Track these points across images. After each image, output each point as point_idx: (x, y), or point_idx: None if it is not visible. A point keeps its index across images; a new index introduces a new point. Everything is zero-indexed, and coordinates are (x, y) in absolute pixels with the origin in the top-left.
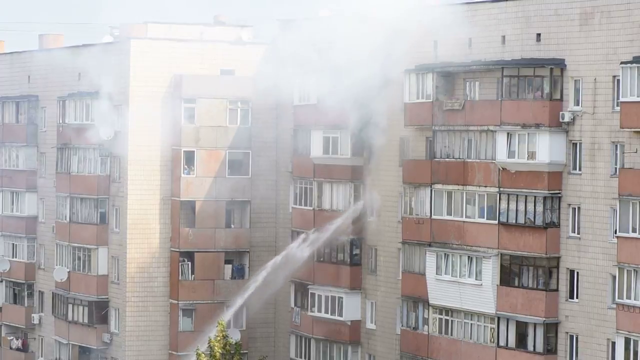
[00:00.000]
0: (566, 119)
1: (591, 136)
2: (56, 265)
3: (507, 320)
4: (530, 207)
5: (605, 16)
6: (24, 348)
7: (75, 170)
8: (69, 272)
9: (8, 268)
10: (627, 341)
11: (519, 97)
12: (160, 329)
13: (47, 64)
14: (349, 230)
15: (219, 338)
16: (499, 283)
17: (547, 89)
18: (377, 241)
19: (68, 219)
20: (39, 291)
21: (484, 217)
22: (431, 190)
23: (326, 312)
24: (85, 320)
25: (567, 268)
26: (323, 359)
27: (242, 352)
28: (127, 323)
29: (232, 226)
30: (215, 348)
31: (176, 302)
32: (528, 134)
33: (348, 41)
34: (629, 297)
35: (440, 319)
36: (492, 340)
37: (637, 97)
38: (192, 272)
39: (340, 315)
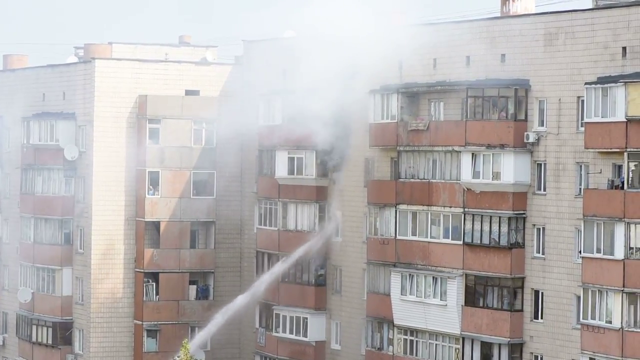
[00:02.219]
0: (531, 140)
1: (556, 157)
2: (20, 286)
3: (472, 340)
4: (495, 227)
5: (569, 37)
6: None
7: (40, 191)
8: (33, 293)
9: None
10: None
11: (484, 117)
12: (125, 350)
13: (11, 84)
14: (314, 251)
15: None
16: (463, 303)
17: (511, 110)
18: (342, 261)
19: (32, 240)
20: (3, 312)
21: (448, 238)
22: (396, 211)
23: (291, 332)
24: (49, 342)
25: (532, 288)
26: None
27: None
28: (92, 344)
29: (197, 247)
30: None
31: (141, 322)
32: (493, 154)
33: (313, 62)
34: (593, 318)
35: (405, 340)
36: None
37: (602, 117)
38: (157, 293)
39: (305, 335)
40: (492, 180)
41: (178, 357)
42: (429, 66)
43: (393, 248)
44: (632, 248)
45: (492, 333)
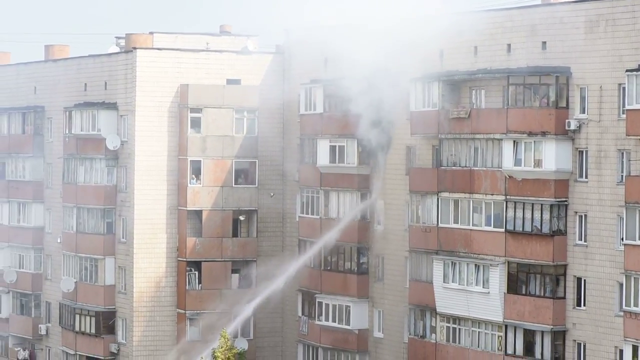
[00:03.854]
0: (572, 127)
1: (597, 144)
2: (63, 275)
3: (515, 328)
4: (537, 215)
5: (610, 24)
6: (31, 359)
7: (82, 181)
8: (75, 282)
9: (15, 279)
10: (634, 349)
11: (525, 105)
12: (168, 339)
13: (54, 74)
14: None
15: (222, 349)
16: (506, 291)
17: (553, 97)
18: (384, 249)
19: (75, 230)
20: (46, 302)
21: (490, 225)
22: (438, 199)
23: (333, 320)
24: (93, 331)
25: (574, 276)
26: None
27: None
28: (135, 333)
29: (239, 235)
30: (219, 357)
31: (183, 311)
32: (534, 142)
33: (354, 50)
34: (636, 305)
35: (448, 327)
36: (500, 348)
37: None
38: (199, 282)
39: (348, 324)
40: (534, 167)
41: (219, 347)
42: (470, 54)
43: (435, 236)
44: None
45: (535, 320)
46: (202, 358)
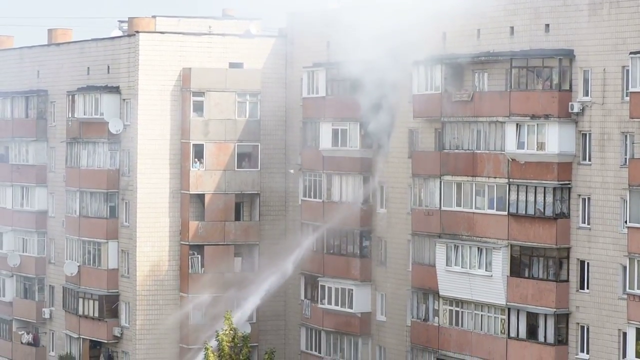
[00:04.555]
0: (575, 110)
1: (601, 126)
2: (66, 259)
3: (518, 311)
4: (540, 198)
5: (614, 6)
6: (35, 342)
7: (85, 165)
8: (79, 266)
9: (19, 263)
10: (638, 331)
11: (528, 88)
12: (171, 323)
13: (56, 58)
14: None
15: (227, 332)
16: (509, 274)
17: (556, 80)
18: (387, 233)
19: (78, 213)
20: (50, 285)
21: (493, 208)
22: (440, 182)
23: (336, 304)
24: (96, 314)
25: (578, 259)
26: (333, 351)
27: (252, 345)
28: (138, 316)
29: (242, 219)
30: (224, 342)
31: (186, 295)
32: (537, 124)
33: (356, 33)
34: (639, 287)
35: (451, 311)
36: (503, 331)
37: None
38: (202, 265)
39: (351, 307)
40: (537, 150)
41: (223, 329)
42: (472, 37)
43: (438, 219)
44: None
45: (538, 303)
46: (206, 342)
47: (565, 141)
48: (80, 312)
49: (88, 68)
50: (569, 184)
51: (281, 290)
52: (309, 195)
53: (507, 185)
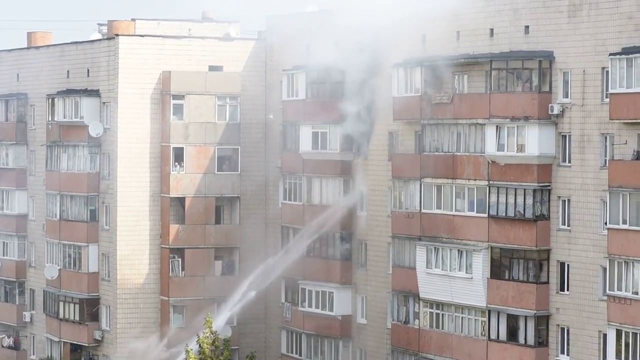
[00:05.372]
0: (555, 111)
1: (580, 128)
2: (47, 263)
3: (498, 313)
4: (520, 200)
5: (593, 8)
6: (16, 346)
7: (65, 168)
8: (59, 269)
9: None
10: (618, 333)
11: (508, 90)
12: (152, 326)
13: (36, 61)
14: (334, 224)
15: (207, 334)
16: (489, 276)
17: (535, 82)
18: (367, 235)
19: (58, 217)
20: (30, 289)
21: (473, 211)
22: (420, 184)
23: (317, 307)
24: (77, 318)
25: (558, 260)
26: (314, 354)
27: (233, 348)
28: (118, 320)
29: (222, 222)
30: (204, 345)
31: (167, 298)
32: (517, 126)
33: (335, 36)
34: (619, 289)
35: (431, 313)
36: (483, 333)
37: (626, 88)
38: (183, 269)
39: (331, 310)
40: (517, 152)
41: (203, 332)
42: (452, 39)
43: (418, 222)
44: None
45: (518, 305)
46: (186, 345)
47: (545, 143)
48: (61, 316)
49: (68, 71)
50: (549, 185)
51: (262, 293)
52: (289, 198)
53: (487, 188)
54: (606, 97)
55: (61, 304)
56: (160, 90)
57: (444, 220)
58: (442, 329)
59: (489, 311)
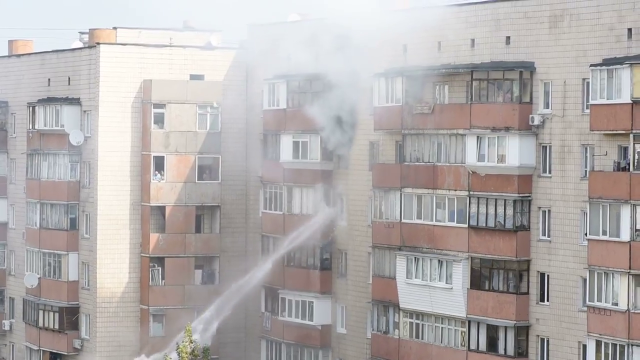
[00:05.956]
0: (536, 122)
1: (561, 139)
2: (27, 271)
3: (478, 323)
4: (501, 210)
5: (574, 19)
6: None
7: (45, 176)
8: (39, 278)
9: None
10: (598, 344)
11: (489, 100)
12: (131, 334)
13: (17, 69)
14: (315, 234)
15: (186, 343)
16: (469, 286)
17: (516, 92)
18: (347, 245)
19: (38, 225)
20: (10, 297)
21: (454, 221)
22: (401, 194)
23: (296, 316)
24: (56, 326)
25: (538, 271)
26: None
27: (213, 357)
28: (98, 329)
29: (202, 231)
30: (183, 354)
31: (147, 307)
32: (498, 137)
33: (317, 46)
34: (599, 300)
35: (411, 323)
36: (463, 343)
37: (607, 99)
38: (163, 278)
39: (311, 319)
40: (497, 163)
41: (183, 341)
42: (433, 49)
43: (398, 231)
44: (638, 230)
45: (498, 316)
46: (166, 354)
47: (525, 154)
48: (41, 324)
49: (49, 79)
50: (529, 196)
51: (241, 302)
52: (269, 207)
53: (468, 198)
54: (587, 108)
55: (41, 312)
56: (141, 98)
57: (424, 230)
58: (422, 339)
59: (469, 321)
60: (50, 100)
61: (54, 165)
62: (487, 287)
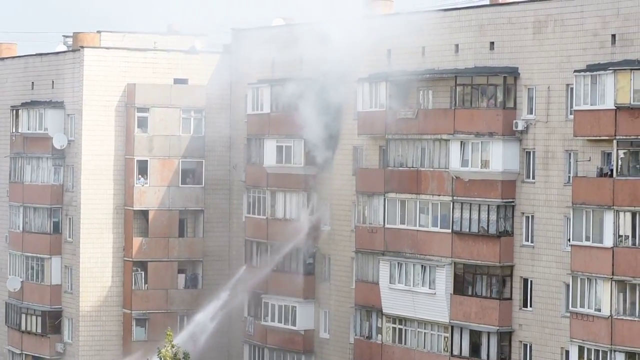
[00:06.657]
0: (520, 128)
1: (545, 145)
2: (9, 275)
3: (461, 329)
4: (484, 215)
5: (558, 25)
6: None
7: (29, 180)
8: (22, 281)
9: None
10: (580, 349)
11: (473, 105)
12: (114, 339)
13: (0, 73)
14: (300, 240)
15: (168, 349)
16: (452, 292)
17: (500, 98)
18: (331, 250)
19: (21, 229)
20: None
21: (437, 226)
22: (384, 199)
23: (279, 321)
24: (39, 330)
25: (521, 277)
26: None
27: None
28: (81, 333)
29: (186, 235)
30: (166, 358)
31: (130, 311)
32: (481, 142)
33: (301, 50)
34: (582, 306)
35: (394, 328)
36: (446, 349)
37: (591, 105)
38: (146, 282)
39: (294, 324)
40: (481, 168)
41: (164, 346)
42: (417, 54)
43: (382, 236)
44: (621, 236)
45: (481, 321)
46: (148, 359)
47: (509, 159)
48: (23, 328)
49: (32, 83)
50: (513, 201)
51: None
52: (253, 211)
53: (451, 203)
54: (570, 114)
55: (23, 316)
56: (125, 102)
57: (408, 235)
58: (405, 344)
59: (452, 327)
60: (33, 103)
61: (38, 168)
62: (470, 293)
